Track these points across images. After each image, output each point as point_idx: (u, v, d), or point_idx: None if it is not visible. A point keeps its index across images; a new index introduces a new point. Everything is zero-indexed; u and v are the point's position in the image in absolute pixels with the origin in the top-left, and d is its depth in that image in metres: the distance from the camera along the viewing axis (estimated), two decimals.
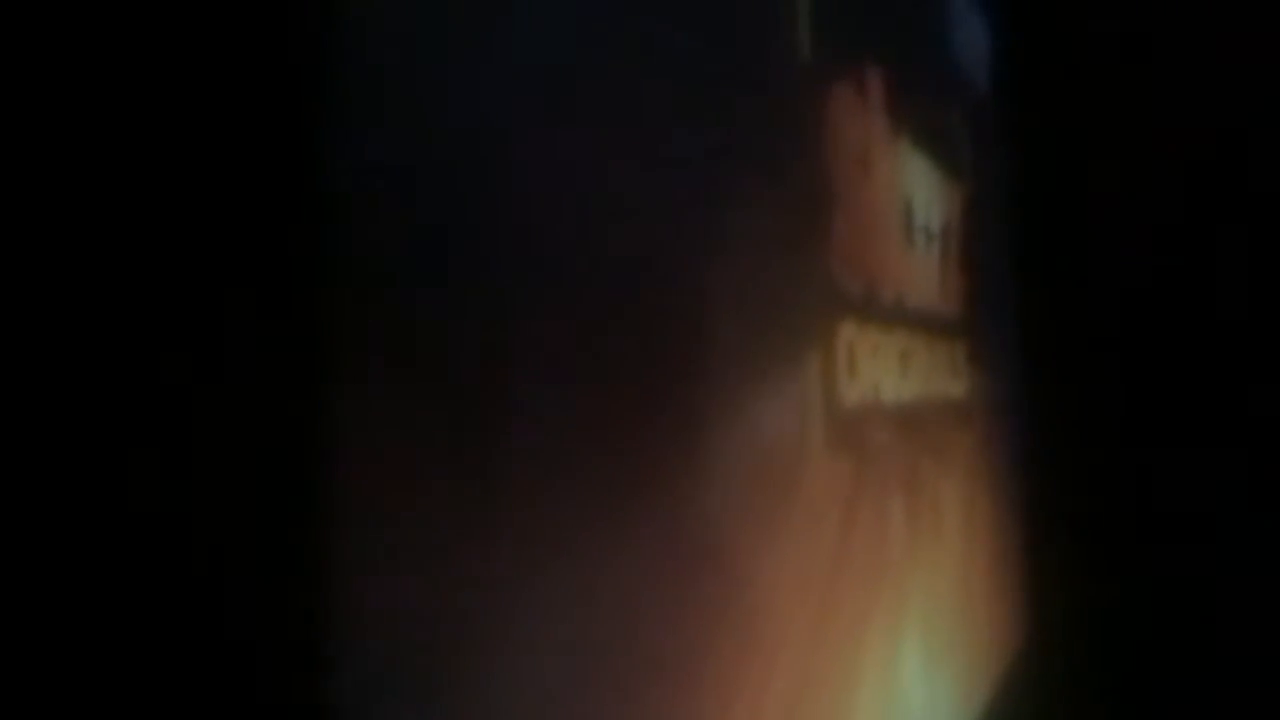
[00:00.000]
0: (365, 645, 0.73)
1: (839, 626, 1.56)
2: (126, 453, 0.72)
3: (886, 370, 1.90)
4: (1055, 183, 3.66)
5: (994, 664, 2.85)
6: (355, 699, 0.71)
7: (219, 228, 0.74)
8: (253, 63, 0.75)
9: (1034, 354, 3.58)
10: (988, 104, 3.19)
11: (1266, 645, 3.26)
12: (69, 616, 0.70)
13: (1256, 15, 3.50)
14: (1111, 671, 3.37)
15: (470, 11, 0.88)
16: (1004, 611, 3.07)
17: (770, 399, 1.41)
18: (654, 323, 1.12)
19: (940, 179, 2.38)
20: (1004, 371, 3.19)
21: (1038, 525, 3.47)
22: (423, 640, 0.77)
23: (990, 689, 2.77)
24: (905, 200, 2.10)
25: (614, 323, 1.04)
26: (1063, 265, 3.64)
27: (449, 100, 0.85)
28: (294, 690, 0.71)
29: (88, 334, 0.71)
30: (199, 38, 0.74)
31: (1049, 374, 3.58)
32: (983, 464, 2.81)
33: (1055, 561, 3.46)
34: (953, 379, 2.49)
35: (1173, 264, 3.59)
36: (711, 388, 1.23)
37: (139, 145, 0.74)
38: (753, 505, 1.30)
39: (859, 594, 1.66)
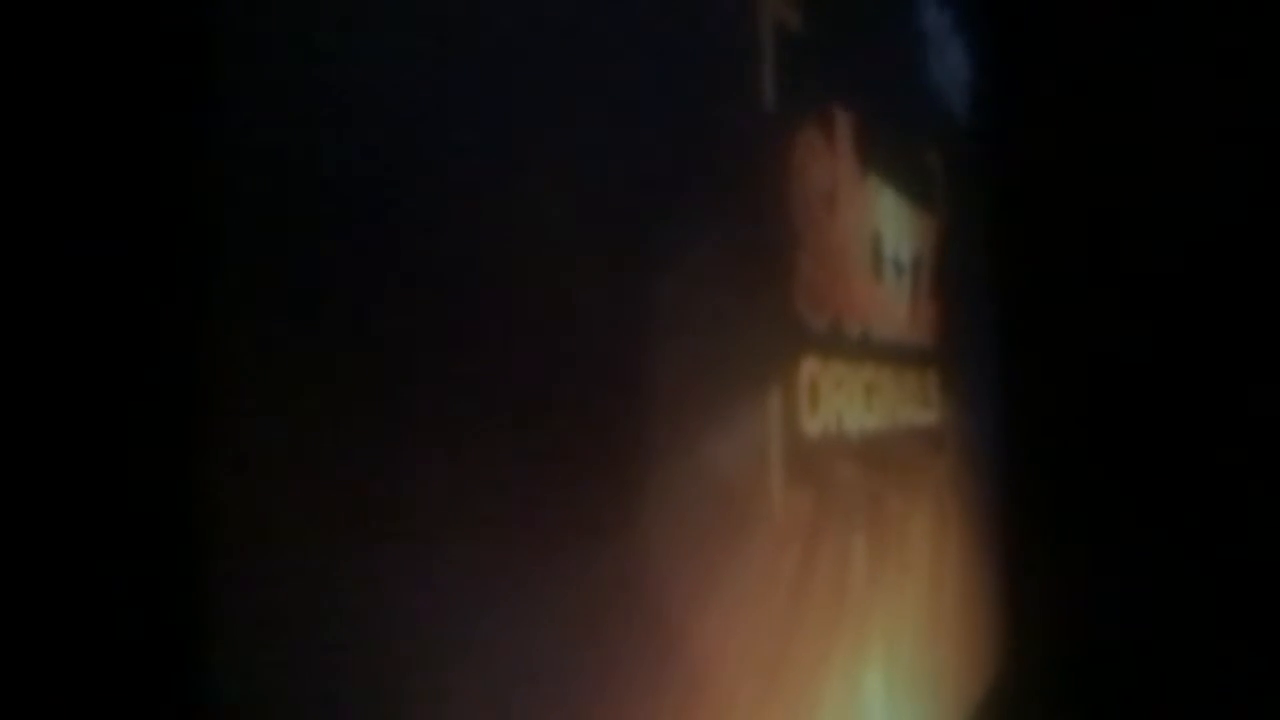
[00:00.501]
0: None
1: (796, 664, 1.60)
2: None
3: (850, 403, 1.94)
4: (1036, 205, 3.71)
5: (968, 690, 2.89)
6: None
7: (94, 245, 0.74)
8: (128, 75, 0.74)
9: (1012, 378, 3.63)
10: (967, 129, 3.23)
11: (1244, 672, 3.30)
12: None
13: (1239, 45, 3.55)
14: (1089, 695, 3.41)
15: (429, 40, 0.92)
16: (979, 637, 3.11)
17: (725, 437, 1.45)
18: (596, 362, 1.15)
19: (911, 212, 2.43)
20: (980, 397, 3.23)
21: (1015, 549, 3.52)
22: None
23: (965, 715, 2.81)
24: (874, 235, 2.14)
25: (550, 360, 1.06)
26: (1042, 289, 3.69)
27: (398, 134, 0.88)
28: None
29: None
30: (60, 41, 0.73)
31: (1027, 398, 3.63)
32: (955, 489, 2.85)
33: (1033, 585, 3.51)
34: (923, 408, 2.54)
35: (1152, 287, 3.64)
36: (658, 429, 1.26)
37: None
38: (703, 548, 1.34)
39: (818, 630, 1.70)
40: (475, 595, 0.93)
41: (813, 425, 1.74)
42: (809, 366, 1.73)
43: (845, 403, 1.91)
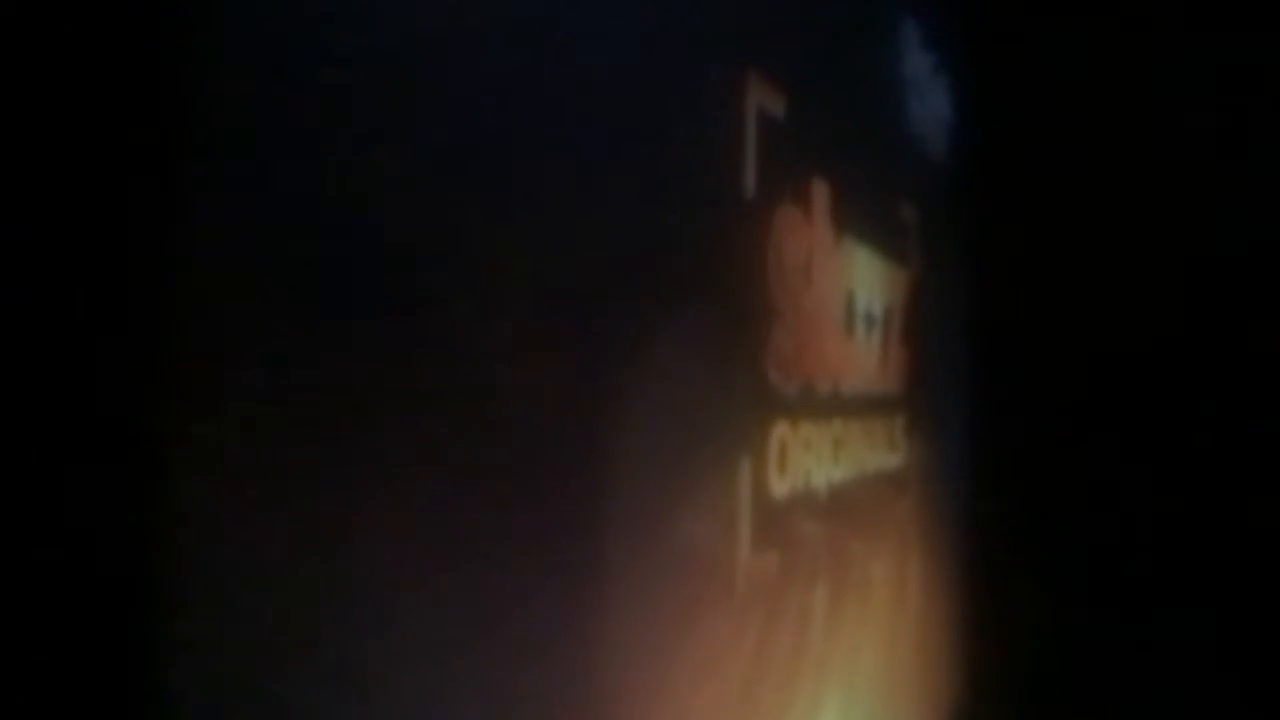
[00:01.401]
0: None
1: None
2: None
3: (819, 460, 2.03)
4: (1012, 244, 3.80)
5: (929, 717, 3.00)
6: None
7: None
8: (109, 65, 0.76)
9: (980, 414, 3.72)
10: (946, 169, 3.31)
11: (1202, 704, 3.41)
12: None
13: (1219, 87, 3.63)
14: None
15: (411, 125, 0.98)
16: (939, 670, 3.21)
17: (696, 508, 1.53)
18: (570, 436, 1.21)
19: (884, 266, 2.51)
20: (948, 435, 3.33)
21: (976, 585, 3.62)
22: None
23: None
24: (847, 295, 2.23)
25: (526, 432, 1.12)
26: (1014, 328, 3.78)
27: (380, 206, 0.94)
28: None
29: None
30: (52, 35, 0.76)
31: (994, 437, 3.73)
32: (917, 527, 2.95)
33: (993, 619, 3.61)
34: (889, 452, 2.63)
35: (1125, 329, 3.73)
36: (630, 503, 1.33)
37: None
38: (669, 616, 1.42)
39: (778, 687, 1.79)
40: (434, 664, 0.97)
41: (781, 487, 1.82)
42: (779, 431, 1.81)
43: (814, 461, 1.99)
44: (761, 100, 1.68)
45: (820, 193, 1.98)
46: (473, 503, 1.04)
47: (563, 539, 1.21)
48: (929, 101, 3.20)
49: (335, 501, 0.89)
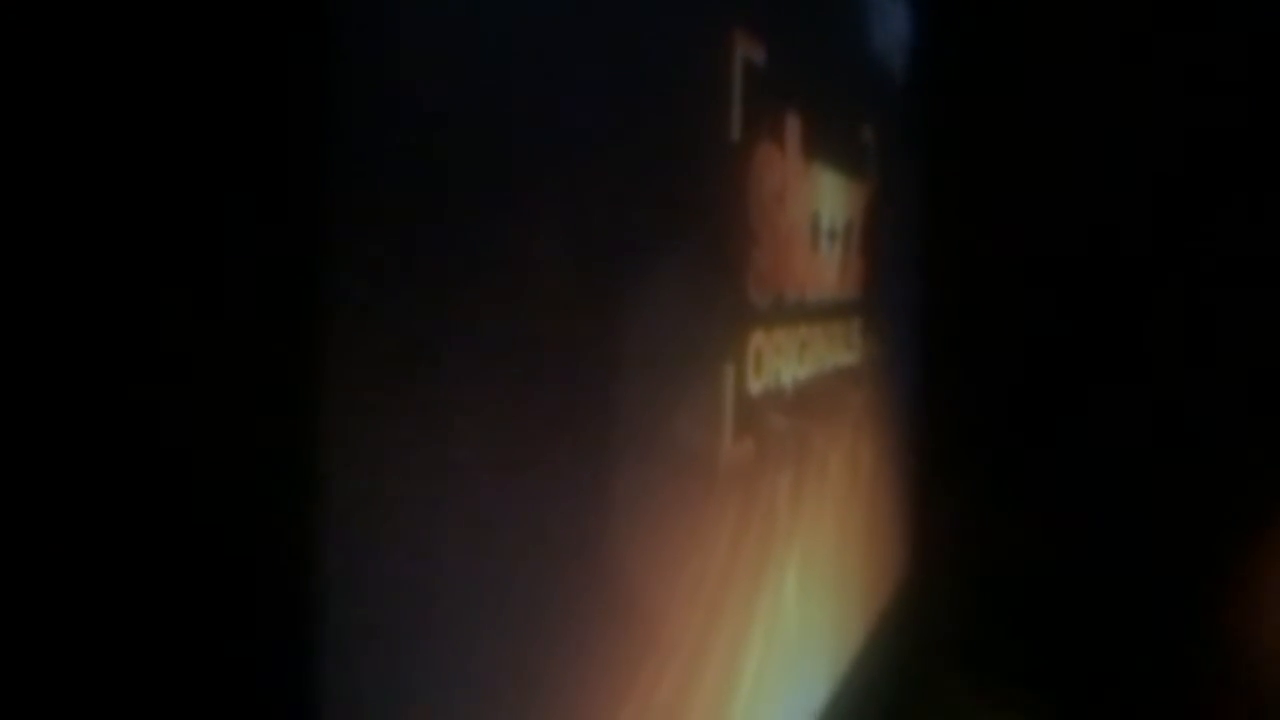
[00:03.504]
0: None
1: (735, 594, 2.01)
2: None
3: (787, 361, 2.33)
4: (966, 158, 4.04)
5: (877, 591, 3.37)
6: None
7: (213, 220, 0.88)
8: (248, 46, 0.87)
9: (931, 315, 4.02)
10: (904, 86, 3.55)
11: (1135, 585, 3.77)
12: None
13: (1184, 11, 3.84)
14: (986, 600, 3.89)
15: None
16: (889, 548, 3.58)
17: (690, 406, 1.82)
18: (585, 347, 1.44)
19: (846, 184, 2.78)
20: (901, 331, 3.64)
21: (924, 469, 3.97)
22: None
23: (874, 614, 3.29)
24: (814, 214, 2.50)
25: (546, 343, 1.32)
26: (966, 235, 4.04)
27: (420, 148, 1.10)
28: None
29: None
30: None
31: (944, 335, 4.03)
32: (871, 417, 3.28)
33: (940, 501, 3.96)
34: (847, 351, 2.93)
35: (1070, 234, 4.00)
36: (636, 402, 1.60)
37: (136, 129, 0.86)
38: (670, 496, 1.72)
39: (753, 559, 2.11)
40: (461, 532, 1.15)
41: (756, 386, 2.12)
42: (756, 339, 2.10)
43: (783, 362, 2.29)
44: (746, 51, 1.92)
45: (793, 127, 2.23)
46: (509, 397, 1.25)
47: (577, 425, 1.45)
48: (888, 22, 3.42)
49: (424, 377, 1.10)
